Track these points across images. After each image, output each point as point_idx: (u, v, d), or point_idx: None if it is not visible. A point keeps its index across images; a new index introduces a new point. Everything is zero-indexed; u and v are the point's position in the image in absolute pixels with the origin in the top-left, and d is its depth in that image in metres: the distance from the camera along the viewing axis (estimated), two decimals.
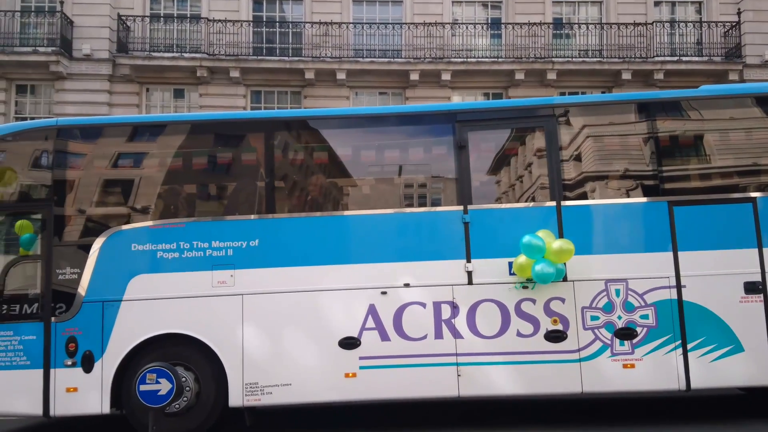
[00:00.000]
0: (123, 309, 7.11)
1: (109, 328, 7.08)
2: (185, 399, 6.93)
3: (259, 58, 17.89)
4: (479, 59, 17.90)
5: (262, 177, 7.57)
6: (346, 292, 7.22)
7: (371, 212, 7.51)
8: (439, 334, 7.14)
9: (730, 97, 7.78)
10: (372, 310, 7.18)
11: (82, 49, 17.70)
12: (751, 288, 7.09)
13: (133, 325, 7.10)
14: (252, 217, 7.42)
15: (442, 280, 7.25)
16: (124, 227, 7.31)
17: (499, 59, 17.83)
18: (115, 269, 7.18)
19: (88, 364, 7.01)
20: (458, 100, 18.01)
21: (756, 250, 7.13)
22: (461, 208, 7.41)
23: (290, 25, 18.59)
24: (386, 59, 17.93)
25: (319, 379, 7.07)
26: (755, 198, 7.25)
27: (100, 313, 7.10)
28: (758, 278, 7.10)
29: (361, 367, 7.08)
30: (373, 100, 18.52)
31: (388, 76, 18.05)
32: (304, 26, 18.21)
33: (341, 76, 17.72)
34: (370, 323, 7.16)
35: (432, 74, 17.89)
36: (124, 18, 17.80)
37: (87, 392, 6.98)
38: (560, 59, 17.65)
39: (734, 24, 17.16)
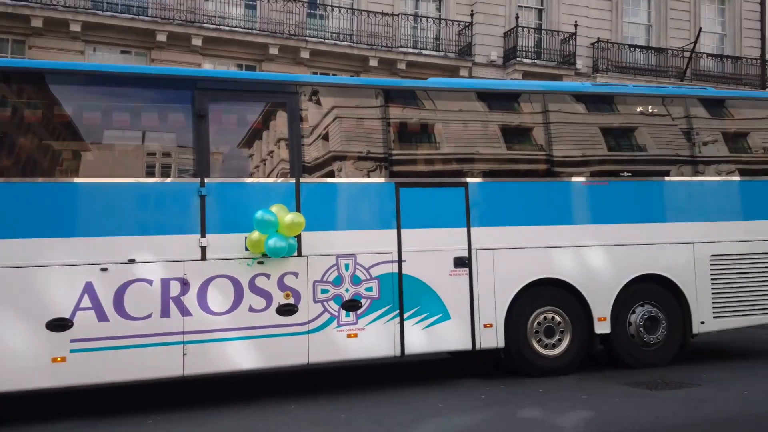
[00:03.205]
0: None
1: None
2: None
3: None
4: (233, 28, 17.42)
5: None
6: (59, 269, 6.57)
7: (94, 180, 6.92)
8: (165, 313, 6.84)
9: (452, 90, 8.55)
10: (89, 289, 6.64)
11: None
12: (459, 262, 7.92)
13: None
14: None
15: (173, 256, 6.96)
16: None
17: (254, 31, 17.54)
18: None
19: None
20: (210, 68, 17.35)
21: (465, 229, 8.00)
22: (198, 180, 7.16)
23: None
24: (130, 15, 16.58)
25: (22, 365, 6.39)
26: (467, 183, 8.10)
27: None
28: (465, 254, 7.96)
29: (73, 350, 6.53)
30: (114, 58, 17.01)
31: (132, 33, 16.72)
32: None
33: (75, 28, 15.97)
34: (86, 303, 6.62)
35: (182, 38, 16.98)
36: None
37: None
38: (314, 39, 17.91)
39: (467, 24, 18.97)
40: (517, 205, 8.20)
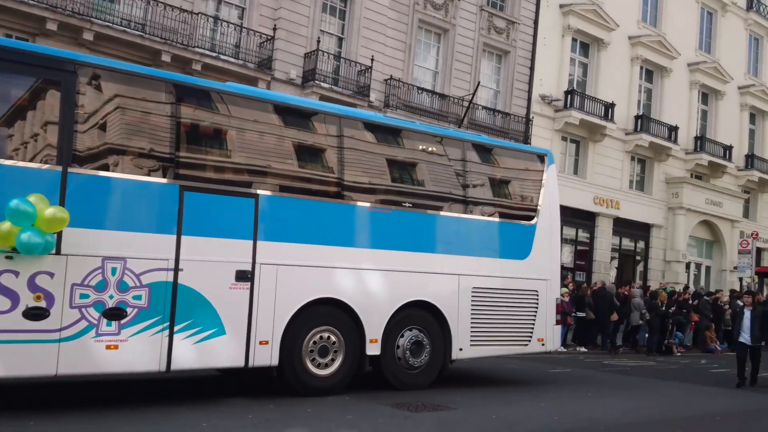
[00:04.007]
0: None
1: None
2: None
3: None
4: None
5: None
6: None
7: None
8: None
9: (251, 98, 8.27)
10: None
11: None
12: (241, 276, 7.62)
13: None
14: None
15: None
16: None
17: (30, 1, 15.58)
18: None
19: None
20: None
21: (251, 242, 7.73)
22: None
23: None
24: None
25: None
26: (257, 194, 7.86)
27: None
28: (249, 267, 7.68)
29: None
30: None
31: None
32: None
33: None
34: None
35: None
36: None
37: None
38: (100, 21, 16.41)
39: (269, 38, 18.79)
40: (305, 223, 8.15)
